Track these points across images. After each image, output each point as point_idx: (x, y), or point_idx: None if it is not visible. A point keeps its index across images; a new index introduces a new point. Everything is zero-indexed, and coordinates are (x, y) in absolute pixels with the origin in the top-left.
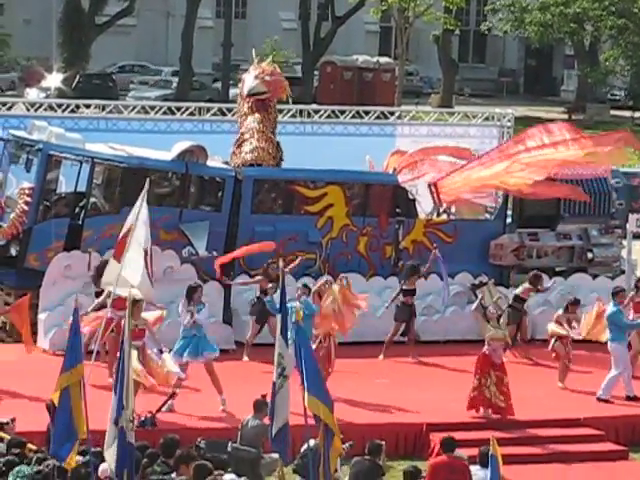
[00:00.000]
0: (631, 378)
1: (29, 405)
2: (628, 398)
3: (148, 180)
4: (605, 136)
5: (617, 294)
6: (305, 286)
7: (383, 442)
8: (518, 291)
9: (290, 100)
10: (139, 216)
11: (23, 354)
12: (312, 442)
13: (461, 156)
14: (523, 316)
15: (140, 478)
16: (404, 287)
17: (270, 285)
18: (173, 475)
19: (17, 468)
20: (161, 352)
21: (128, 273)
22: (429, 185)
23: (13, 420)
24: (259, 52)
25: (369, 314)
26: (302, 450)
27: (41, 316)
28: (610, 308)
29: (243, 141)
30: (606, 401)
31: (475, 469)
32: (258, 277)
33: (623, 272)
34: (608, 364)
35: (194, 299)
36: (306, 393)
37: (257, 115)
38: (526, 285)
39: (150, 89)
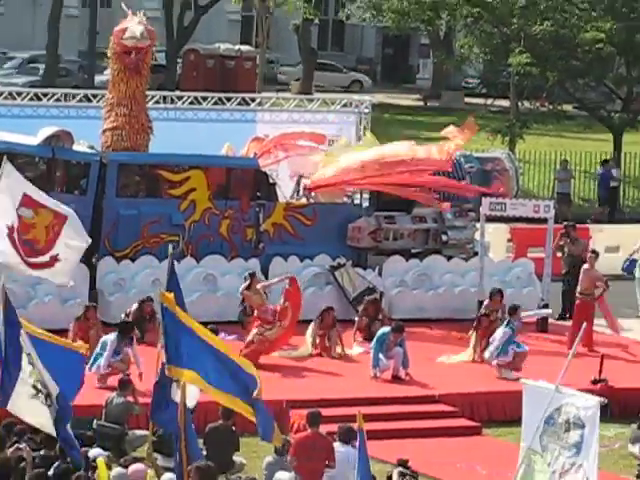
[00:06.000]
0: None
1: None
2: None
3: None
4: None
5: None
6: None
7: None
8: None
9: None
10: None
11: None
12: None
13: (317, 141)
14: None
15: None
16: None
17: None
18: (42, 452)
19: None
20: None
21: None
22: (299, 177)
23: None
24: None
25: (231, 294)
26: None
27: None
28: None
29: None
30: None
31: (336, 446)
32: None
33: (476, 254)
34: (463, 342)
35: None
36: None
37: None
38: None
39: (17, 75)
